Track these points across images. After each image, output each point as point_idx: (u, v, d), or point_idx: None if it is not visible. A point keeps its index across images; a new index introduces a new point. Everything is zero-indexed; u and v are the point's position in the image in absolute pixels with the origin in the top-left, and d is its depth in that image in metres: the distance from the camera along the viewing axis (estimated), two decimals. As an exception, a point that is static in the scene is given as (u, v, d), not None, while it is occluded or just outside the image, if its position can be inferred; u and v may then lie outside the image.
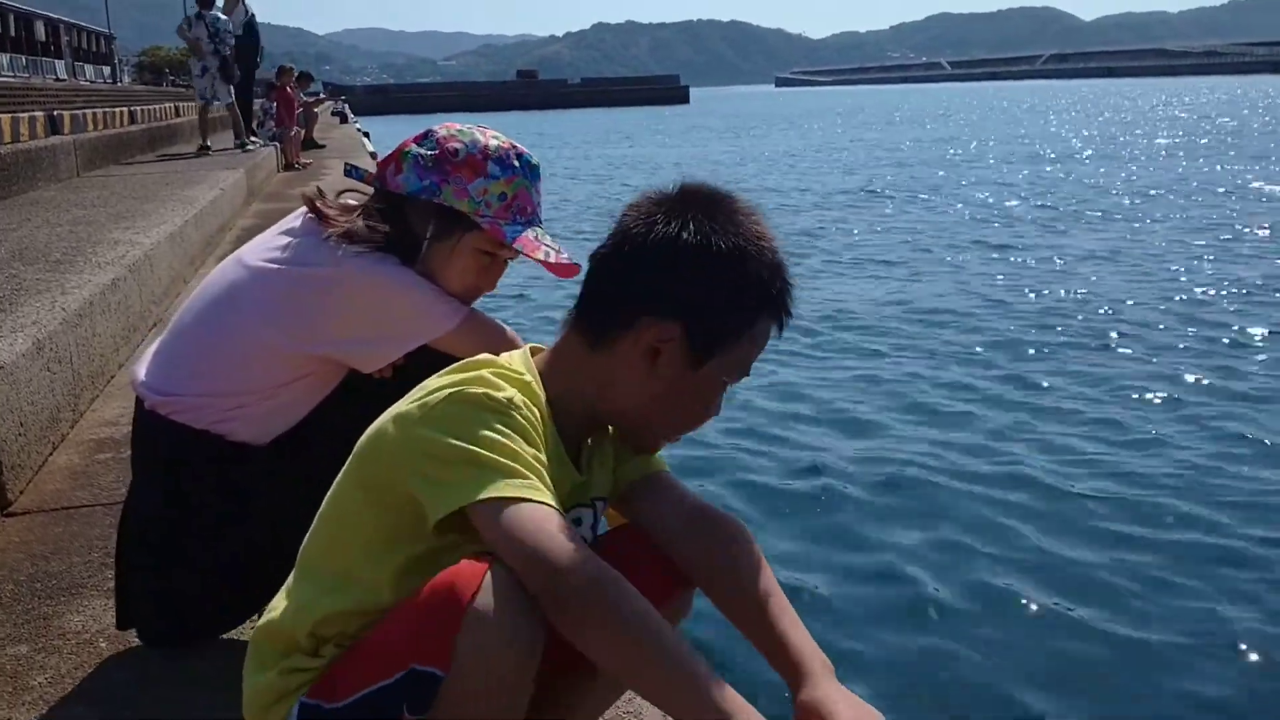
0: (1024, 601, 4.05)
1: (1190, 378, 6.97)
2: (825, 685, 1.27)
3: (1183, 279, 10.44)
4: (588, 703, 1.55)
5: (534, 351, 1.47)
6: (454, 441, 1.25)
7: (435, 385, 1.33)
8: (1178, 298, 9.53)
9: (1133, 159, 25.68)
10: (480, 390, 1.29)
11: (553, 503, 1.25)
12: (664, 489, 1.52)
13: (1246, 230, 13.35)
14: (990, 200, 17.64)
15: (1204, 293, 9.70)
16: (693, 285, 1.35)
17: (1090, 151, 28.59)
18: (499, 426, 1.27)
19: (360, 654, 1.28)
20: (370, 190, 2.01)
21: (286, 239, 1.96)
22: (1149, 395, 6.64)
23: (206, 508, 2.00)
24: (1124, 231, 13.75)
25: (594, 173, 27.12)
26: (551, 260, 1.93)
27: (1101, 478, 5.28)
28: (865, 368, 7.63)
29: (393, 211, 1.94)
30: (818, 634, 1.38)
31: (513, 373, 1.36)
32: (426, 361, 1.80)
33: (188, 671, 2.01)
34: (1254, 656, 3.63)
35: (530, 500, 1.23)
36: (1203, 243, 12.54)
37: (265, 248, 1.97)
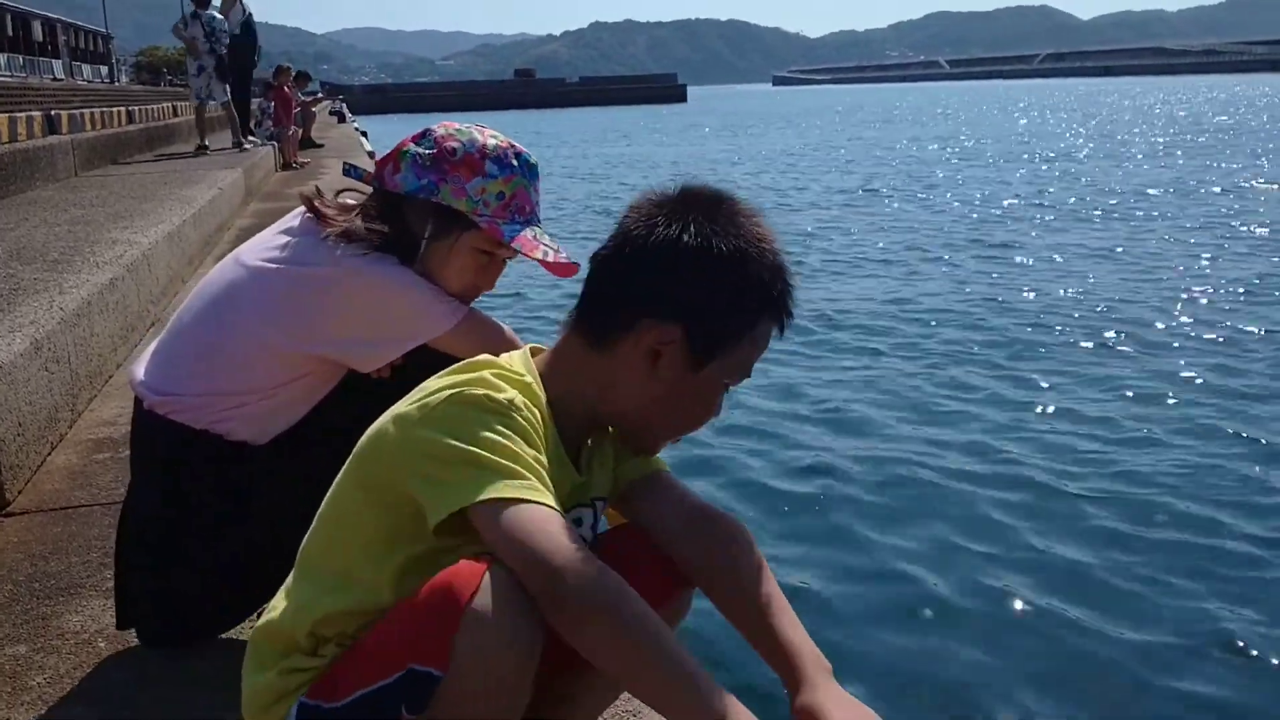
0: (1023, 601, 4.05)
1: (1189, 377, 6.97)
2: (823, 688, 1.28)
3: (1180, 278, 10.44)
4: (586, 703, 1.55)
5: (534, 352, 1.47)
6: (454, 442, 1.25)
7: (436, 386, 1.33)
8: (1176, 296, 9.53)
9: (1130, 157, 25.68)
10: (481, 391, 1.29)
11: (553, 504, 1.25)
12: (664, 489, 1.52)
13: (1244, 229, 13.35)
14: (988, 199, 17.65)
15: (1202, 291, 9.70)
16: (694, 288, 1.35)
17: (1088, 150, 28.60)
18: (500, 428, 1.27)
19: (359, 654, 1.28)
20: (368, 190, 2.01)
21: (285, 238, 1.96)
22: (1147, 394, 6.65)
23: (205, 507, 2.00)
24: (1122, 230, 13.76)
25: (591, 171, 27.12)
26: (550, 259, 1.93)
27: (1100, 477, 5.28)
28: (863, 367, 7.63)
29: (391, 211, 1.94)
30: (816, 633, 1.38)
31: (513, 374, 1.36)
32: (425, 361, 1.81)
33: (187, 671, 2.01)
34: (1254, 656, 3.63)
35: (530, 501, 1.23)
36: (1201, 241, 12.55)
37: (264, 247, 1.97)
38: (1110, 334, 8.24)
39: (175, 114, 18.97)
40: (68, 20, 65.72)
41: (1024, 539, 4.60)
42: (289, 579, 1.42)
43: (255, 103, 16.15)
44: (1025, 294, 9.87)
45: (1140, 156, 25.97)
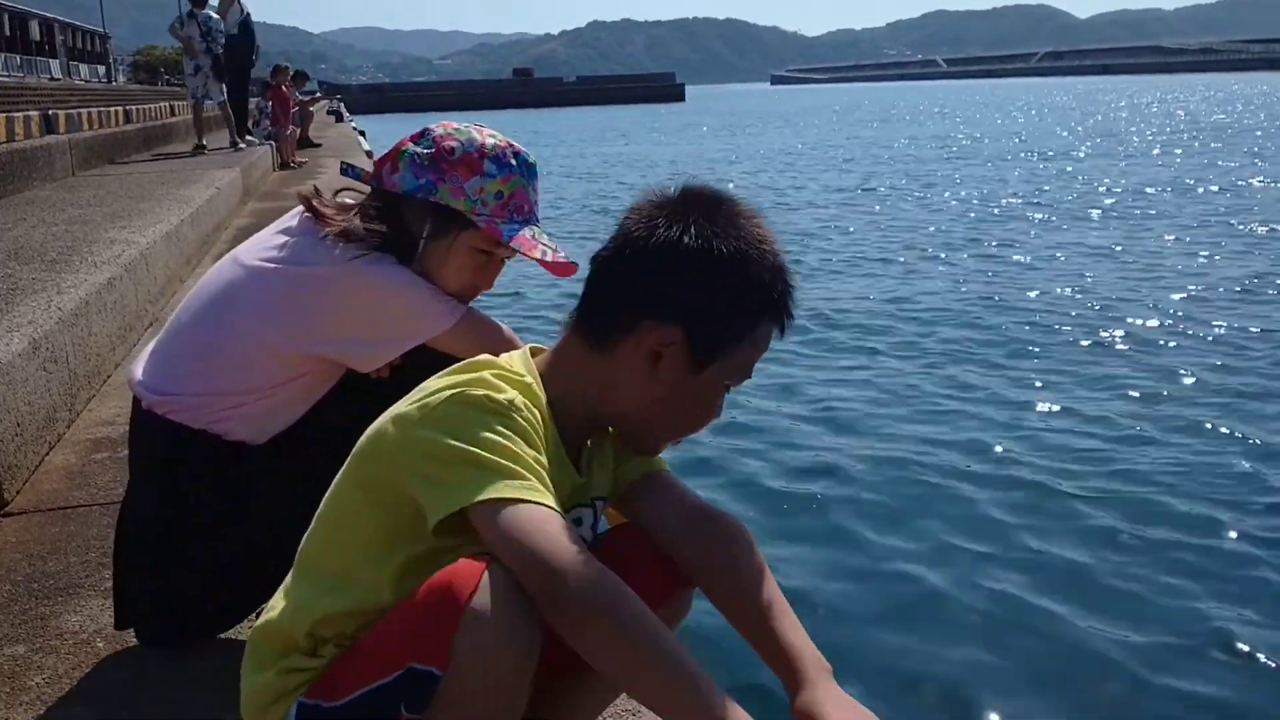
0: (1022, 601, 4.04)
1: (1189, 376, 6.96)
2: (822, 688, 1.28)
3: (1178, 276, 10.44)
4: (586, 703, 1.55)
5: (534, 352, 1.47)
6: (454, 442, 1.25)
7: (436, 386, 1.33)
8: (1174, 295, 9.53)
9: (1128, 156, 25.69)
10: (481, 392, 1.29)
11: (553, 504, 1.25)
12: (664, 488, 1.52)
13: (1242, 228, 13.36)
14: (986, 198, 17.64)
15: (1200, 290, 9.70)
16: (694, 289, 1.35)
17: (1085, 149, 28.60)
18: (500, 428, 1.27)
19: (358, 653, 1.28)
20: (367, 189, 2.01)
21: (283, 238, 1.96)
22: (1146, 393, 6.64)
23: (204, 507, 2.00)
24: (1120, 229, 13.76)
25: (589, 171, 27.11)
26: (549, 259, 1.93)
27: (1098, 476, 5.28)
28: (861, 366, 7.63)
29: (389, 210, 1.94)
30: (814, 633, 1.38)
31: (513, 374, 1.36)
32: (424, 361, 1.81)
33: (186, 671, 2.01)
34: (1254, 657, 3.62)
35: (530, 501, 1.23)
36: (1199, 240, 12.55)
37: (262, 247, 1.97)
38: (1108, 333, 8.24)
39: (173, 114, 18.96)
40: (65, 20, 65.72)
41: (1023, 538, 4.59)
42: (287, 579, 1.42)
43: (253, 102, 16.14)
44: (1023, 293, 9.86)
45: (1138, 155, 25.98)
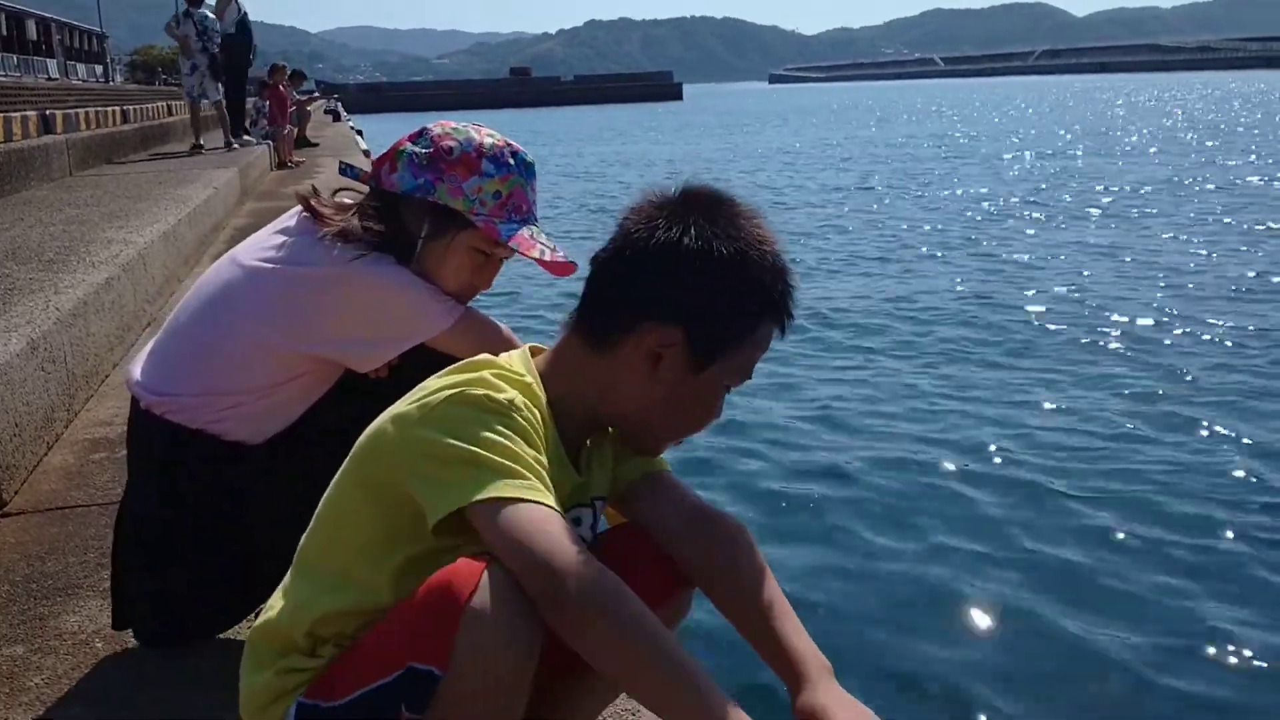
0: (1021, 601, 4.04)
1: (1189, 375, 6.96)
2: (824, 688, 1.28)
3: (1176, 275, 10.44)
4: (586, 704, 1.55)
5: (533, 351, 1.47)
6: (454, 442, 1.25)
7: (436, 386, 1.32)
8: (1173, 294, 9.54)
9: (1125, 155, 25.70)
10: (481, 392, 1.29)
11: (552, 504, 1.25)
12: (664, 488, 1.51)
13: (1241, 226, 13.36)
14: (983, 196, 17.66)
15: (1198, 289, 9.71)
16: (694, 291, 1.35)
17: (1083, 147, 28.62)
18: (500, 428, 1.26)
19: (358, 653, 1.28)
20: (365, 189, 2.01)
21: (282, 238, 1.95)
22: (1145, 393, 6.64)
23: (202, 507, 2.00)
24: (1117, 227, 13.77)
25: (587, 170, 27.10)
26: (547, 259, 1.92)
27: (1097, 476, 5.28)
28: (858, 365, 7.63)
29: (388, 210, 1.94)
30: (813, 633, 1.38)
31: (513, 374, 1.36)
32: (422, 361, 1.81)
33: (184, 671, 2.01)
34: (1255, 658, 3.62)
35: (529, 501, 1.23)
36: (1196, 238, 12.56)
37: (260, 247, 1.97)
38: (1106, 331, 8.25)
39: (170, 113, 18.94)
40: (62, 19, 65.58)
41: (1021, 538, 4.59)
42: (286, 578, 1.41)
43: (250, 102, 16.13)
44: (1020, 291, 9.87)
45: (1135, 153, 25.99)
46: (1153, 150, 26.69)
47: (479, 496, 1.22)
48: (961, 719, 3.36)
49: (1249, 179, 18.98)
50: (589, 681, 1.45)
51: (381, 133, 25.25)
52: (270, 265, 1.92)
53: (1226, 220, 13.86)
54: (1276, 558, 4.35)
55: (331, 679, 1.29)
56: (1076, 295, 9.61)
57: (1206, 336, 7.96)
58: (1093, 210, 15.50)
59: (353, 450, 1.38)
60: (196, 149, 12.85)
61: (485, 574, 1.20)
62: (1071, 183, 19.56)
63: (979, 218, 15.20)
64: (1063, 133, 35.94)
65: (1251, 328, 8.14)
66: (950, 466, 5.46)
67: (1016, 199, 17.23)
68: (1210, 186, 18.00)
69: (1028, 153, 27.29)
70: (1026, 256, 11.82)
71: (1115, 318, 8.67)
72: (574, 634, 1.19)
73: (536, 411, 1.34)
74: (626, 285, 1.38)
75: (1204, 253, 11.62)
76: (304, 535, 1.41)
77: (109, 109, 14.04)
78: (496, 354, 1.42)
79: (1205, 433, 5.85)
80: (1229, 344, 7.74)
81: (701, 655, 1.22)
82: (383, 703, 1.24)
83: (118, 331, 4.45)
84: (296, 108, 17.24)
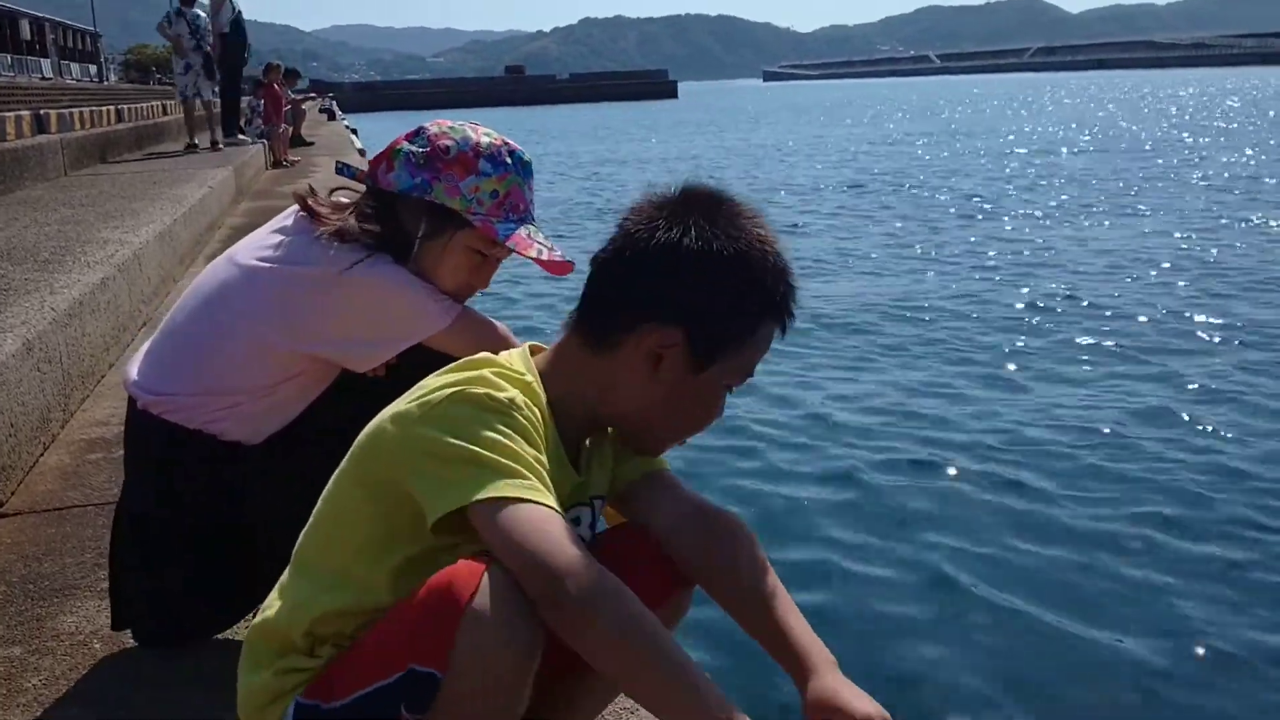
0: (1020, 601, 4.02)
1: (1188, 375, 6.95)
2: (832, 677, 1.28)
3: (1175, 273, 10.45)
4: (586, 704, 1.55)
5: (533, 350, 1.47)
6: (454, 441, 1.24)
7: (436, 385, 1.32)
8: (1172, 293, 9.54)
9: (1121, 151, 25.73)
10: (482, 390, 1.29)
11: (552, 504, 1.24)
12: (663, 487, 1.51)
13: (1239, 224, 13.38)
14: (980, 193, 17.67)
15: (1198, 288, 9.70)
16: (695, 291, 1.34)
17: (1079, 144, 28.64)
18: (500, 427, 1.26)
19: (358, 654, 1.28)
20: (362, 188, 2.01)
21: (279, 237, 1.95)
22: (1144, 392, 6.64)
23: (200, 507, 2.00)
24: (1114, 224, 13.79)
25: (582, 168, 27.08)
26: (545, 258, 1.92)
27: (1097, 476, 5.26)
28: (855, 365, 7.63)
29: (385, 210, 1.94)
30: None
31: (514, 373, 1.36)
32: (420, 360, 1.80)
33: (182, 672, 2.01)
34: (1258, 659, 3.62)
35: (529, 501, 1.22)
36: (1194, 237, 12.57)
37: (257, 246, 1.97)
38: (1106, 330, 8.24)
39: (164, 112, 18.92)
40: (56, 19, 65.44)
41: (1021, 538, 4.58)
42: (284, 577, 1.41)
43: (245, 100, 16.10)
44: (1018, 290, 9.87)
45: (1131, 150, 26.01)
46: (1148, 148, 26.71)
47: (479, 496, 1.22)
48: (961, 719, 3.36)
49: (1246, 175, 19.00)
50: (589, 681, 1.46)
51: (376, 131, 25.22)
52: (267, 265, 1.92)
53: (1224, 220, 13.87)
54: (1276, 558, 4.35)
55: (330, 680, 1.29)
56: (1075, 294, 9.59)
57: (1207, 336, 7.96)
58: (1089, 207, 15.51)
59: (352, 449, 1.37)
60: (191, 148, 12.83)
61: (486, 575, 1.20)
62: (1068, 179, 19.57)
63: (975, 214, 15.21)
64: (1059, 129, 35.95)
65: (1251, 326, 8.14)
66: (949, 467, 5.45)
67: (1012, 196, 17.24)
68: (1207, 183, 18.01)
69: (1024, 149, 27.31)
70: (1023, 253, 11.83)
71: (1115, 317, 8.66)
72: (574, 634, 1.19)
73: (537, 410, 1.33)
74: (627, 286, 1.37)
75: (1202, 250, 11.63)
76: (302, 534, 1.41)
77: (103, 108, 14.03)
78: (495, 353, 1.41)
79: (1206, 433, 5.85)
80: (1231, 343, 7.73)
81: (702, 655, 1.22)
82: (383, 704, 1.24)
83: (113, 332, 4.45)
84: (291, 106, 17.22)
